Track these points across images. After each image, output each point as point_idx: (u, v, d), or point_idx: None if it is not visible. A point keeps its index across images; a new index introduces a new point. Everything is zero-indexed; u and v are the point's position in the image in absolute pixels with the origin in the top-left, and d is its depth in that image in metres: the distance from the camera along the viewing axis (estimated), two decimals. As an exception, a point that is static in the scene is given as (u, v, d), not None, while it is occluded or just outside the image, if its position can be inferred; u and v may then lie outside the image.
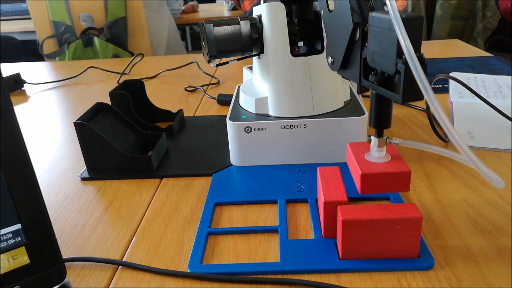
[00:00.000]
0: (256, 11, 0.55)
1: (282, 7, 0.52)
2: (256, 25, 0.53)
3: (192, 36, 3.42)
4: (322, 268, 0.37)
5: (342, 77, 0.41)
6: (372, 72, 0.34)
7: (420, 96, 0.32)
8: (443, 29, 1.67)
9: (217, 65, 0.55)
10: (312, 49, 0.56)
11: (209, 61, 0.54)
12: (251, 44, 0.54)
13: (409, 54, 0.28)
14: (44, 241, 0.32)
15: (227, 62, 0.57)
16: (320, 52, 0.53)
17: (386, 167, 0.37)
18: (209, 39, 0.53)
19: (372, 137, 0.38)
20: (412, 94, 0.32)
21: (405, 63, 0.30)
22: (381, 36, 0.31)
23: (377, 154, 0.38)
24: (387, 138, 0.38)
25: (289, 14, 0.53)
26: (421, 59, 0.29)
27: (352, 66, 0.37)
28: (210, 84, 0.97)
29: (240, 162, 0.55)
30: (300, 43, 0.60)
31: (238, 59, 0.58)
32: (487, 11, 1.65)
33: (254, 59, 0.60)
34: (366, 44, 0.34)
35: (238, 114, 0.55)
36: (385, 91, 0.33)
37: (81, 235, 0.45)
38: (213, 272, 0.37)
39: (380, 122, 0.37)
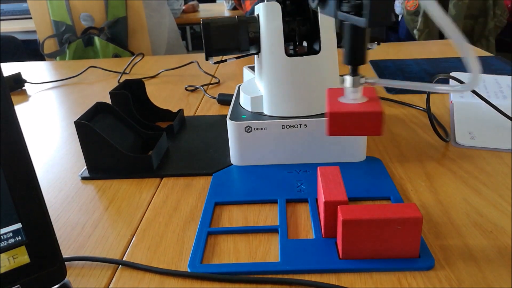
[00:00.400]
0: (256, 10, 0.55)
1: (277, 7, 0.51)
2: (254, 24, 0.53)
3: (193, 35, 3.42)
4: (323, 268, 0.37)
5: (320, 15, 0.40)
6: (346, 1, 0.33)
7: (388, 20, 0.31)
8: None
9: (216, 63, 0.55)
10: (311, 49, 0.56)
11: (207, 59, 0.55)
12: (247, 43, 0.54)
13: None
14: (44, 241, 0.32)
15: (226, 60, 0.58)
16: (318, 52, 0.53)
17: (357, 107, 0.34)
18: (206, 37, 0.53)
19: (346, 76, 0.36)
20: (379, 16, 0.30)
21: None
22: None
23: (352, 96, 0.36)
24: (361, 77, 0.36)
25: (288, 13, 0.53)
26: None
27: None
28: (210, 83, 0.97)
29: (240, 161, 0.55)
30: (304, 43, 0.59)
31: (236, 58, 0.58)
32: (497, 9, 1.65)
33: (255, 58, 0.60)
34: None
35: (239, 113, 0.55)
36: (353, 18, 0.32)
37: (81, 234, 0.45)
38: (213, 271, 0.37)
39: (354, 57, 0.35)
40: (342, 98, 0.37)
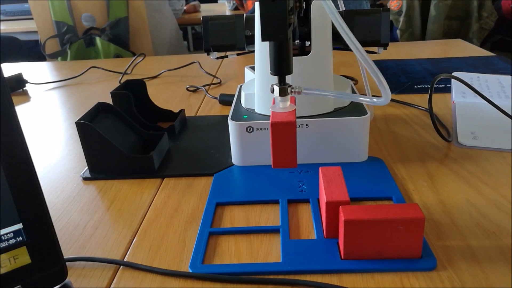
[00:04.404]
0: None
1: None
2: (252, 22, 0.54)
3: (194, 36, 3.42)
4: (324, 269, 0.37)
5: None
6: None
7: (279, 36, 0.35)
8: (437, 30, 1.66)
9: (218, 58, 0.56)
10: (305, 49, 0.56)
11: (208, 54, 0.58)
12: (243, 40, 0.54)
13: None
14: (45, 241, 0.32)
15: (227, 56, 0.60)
16: (309, 53, 0.52)
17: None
18: (204, 33, 0.55)
19: (275, 86, 0.38)
20: (269, 34, 0.35)
21: None
22: None
23: (281, 104, 0.38)
24: (289, 86, 0.38)
25: None
26: None
27: None
28: (212, 84, 0.97)
29: (242, 162, 0.55)
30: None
31: (237, 54, 0.59)
32: (483, 11, 1.64)
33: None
34: None
35: (240, 114, 0.55)
36: None
37: (83, 235, 0.45)
38: (215, 272, 0.37)
39: (280, 68, 0.37)
40: (273, 107, 0.39)
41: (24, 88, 1.04)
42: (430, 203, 0.46)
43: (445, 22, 1.66)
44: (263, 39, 0.35)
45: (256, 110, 0.55)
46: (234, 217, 0.46)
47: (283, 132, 0.37)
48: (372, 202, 0.47)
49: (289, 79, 0.51)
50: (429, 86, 0.84)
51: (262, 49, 0.53)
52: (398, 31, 1.76)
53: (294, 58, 0.51)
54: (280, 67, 0.37)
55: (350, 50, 0.57)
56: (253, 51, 0.56)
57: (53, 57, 1.53)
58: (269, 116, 0.53)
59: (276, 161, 0.38)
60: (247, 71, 0.80)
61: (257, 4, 0.52)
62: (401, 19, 1.72)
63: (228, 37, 0.55)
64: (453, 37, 1.65)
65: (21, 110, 0.88)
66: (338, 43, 0.55)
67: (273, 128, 0.37)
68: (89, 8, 1.48)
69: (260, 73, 0.54)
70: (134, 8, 1.49)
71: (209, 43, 0.55)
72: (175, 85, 0.98)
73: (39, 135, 0.73)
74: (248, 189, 0.50)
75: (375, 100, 0.37)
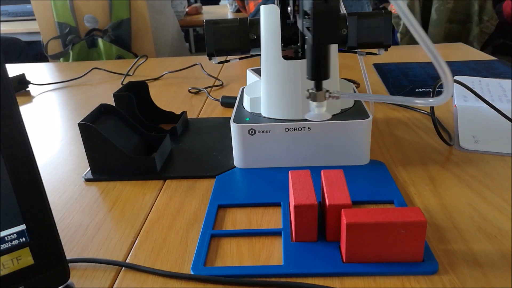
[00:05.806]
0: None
1: (275, 10, 0.51)
2: (256, 26, 0.54)
3: (196, 38, 3.43)
4: (326, 272, 0.37)
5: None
6: (306, 16, 0.34)
7: (333, 39, 0.31)
8: (438, 33, 1.67)
9: (219, 63, 0.56)
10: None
11: (210, 58, 0.57)
12: (248, 44, 0.54)
13: None
14: (48, 242, 0.32)
15: (229, 60, 0.59)
16: None
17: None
18: (208, 36, 0.54)
19: (311, 91, 0.36)
20: (323, 36, 0.31)
21: None
22: None
23: (316, 110, 0.37)
24: (326, 91, 0.36)
25: (286, 17, 0.53)
26: None
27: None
28: (214, 86, 0.97)
29: (244, 164, 0.55)
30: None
31: (240, 58, 0.59)
32: (484, 15, 1.65)
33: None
34: None
35: (242, 116, 0.55)
36: (308, 34, 0.33)
37: (85, 236, 0.45)
38: (216, 274, 0.37)
39: (317, 73, 0.35)
40: (308, 114, 0.38)
41: (27, 89, 1.04)
42: (432, 207, 0.46)
43: (446, 25, 1.66)
44: (316, 43, 0.32)
45: (263, 114, 0.55)
46: (236, 219, 0.46)
47: (305, 213, 0.39)
48: (374, 205, 0.47)
49: (295, 84, 0.52)
50: (430, 89, 0.84)
51: (268, 53, 0.53)
52: (398, 34, 1.76)
53: (299, 61, 0.52)
54: (319, 72, 0.35)
55: (352, 52, 0.57)
56: (258, 55, 0.56)
57: (55, 58, 1.53)
58: (275, 119, 0.54)
59: (298, 236, 0.41)
60: (249, 73, 0.81)
61: (262, 8, 0.52)
62: (402, 22, 1.73)
63: (232, 41, 0.55)
64: (454, 40, 1.65)
65: (23, 111, 0.88)
66: (340, 45, 0.55)
67: (296, 210, 0.39)
68: (92, 9, 1.49)
69: (266, 77, 0.54)
70: (136, 9, 1.49)
71: (212, 47, 0.55)
72: (177, 86, 0.99)
73: (41, 136, 0.73)
74: (250, 191, 0.50)
75: (431, 100, 0.31)
